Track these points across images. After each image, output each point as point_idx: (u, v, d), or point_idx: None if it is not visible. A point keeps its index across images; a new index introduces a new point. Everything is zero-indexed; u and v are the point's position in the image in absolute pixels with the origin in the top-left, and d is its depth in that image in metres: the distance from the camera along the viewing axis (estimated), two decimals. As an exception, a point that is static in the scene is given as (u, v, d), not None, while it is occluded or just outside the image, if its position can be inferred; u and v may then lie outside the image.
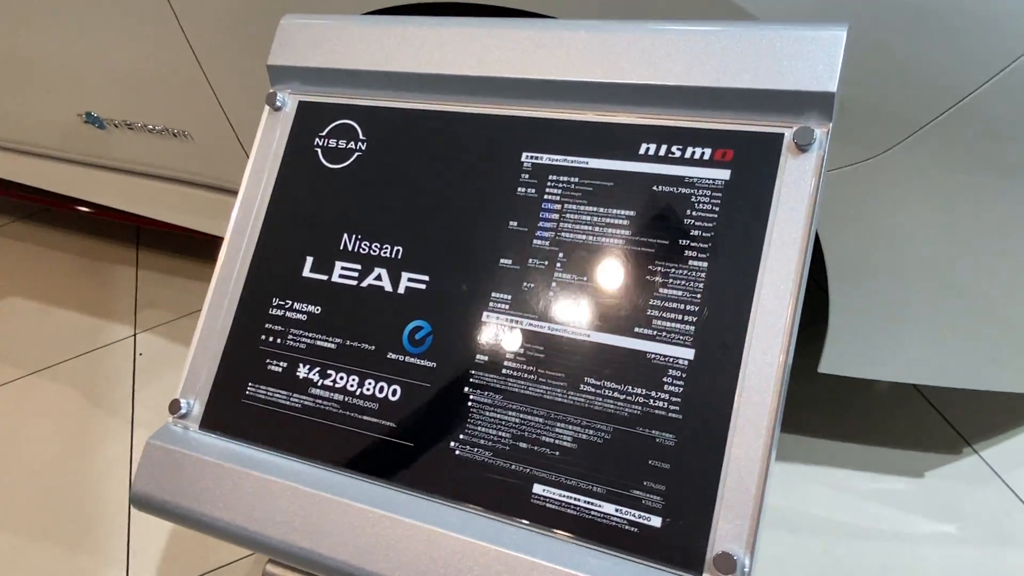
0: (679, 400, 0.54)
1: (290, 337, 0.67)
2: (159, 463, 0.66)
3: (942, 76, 0.68)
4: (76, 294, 1.80)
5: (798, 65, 0.56)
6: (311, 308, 0.67)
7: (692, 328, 0.55)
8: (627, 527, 0.53)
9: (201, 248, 1.84)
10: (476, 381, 0.60)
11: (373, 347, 0.64)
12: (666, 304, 0.56)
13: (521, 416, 0.58)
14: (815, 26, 0.57)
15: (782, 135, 0.56)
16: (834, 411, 1.22)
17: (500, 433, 0.58)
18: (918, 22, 0.65)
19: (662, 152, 0.59)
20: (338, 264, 0.67)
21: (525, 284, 0.60)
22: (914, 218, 0.77)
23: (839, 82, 0.55)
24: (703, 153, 0.58)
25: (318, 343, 0.66)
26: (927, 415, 1.20)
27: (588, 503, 0.55)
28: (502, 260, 0.61)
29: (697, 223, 0.57)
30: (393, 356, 0.63)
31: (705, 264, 0.56)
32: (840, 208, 0.79)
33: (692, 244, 0.56)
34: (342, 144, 0.70)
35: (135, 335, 1.67)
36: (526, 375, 0.59)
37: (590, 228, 0.60)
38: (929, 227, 0.78)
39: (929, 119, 0.71)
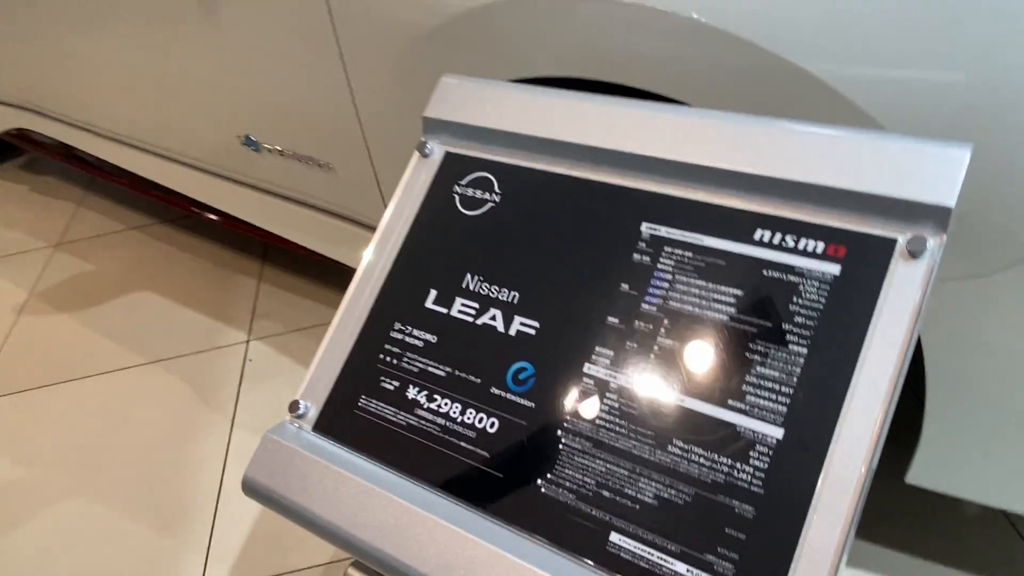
0: (763, 475, 0.57)
1: (405, 359, 0.73)
2: (272, 455, 0.73)
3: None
4: (201, 296, 1.95)
5: (919, 177, 0.59)
6: (428, 336, 0.73)
7: (784, 409, 0.58)
8: (696, 588, 0.56)
9: (320, 271, 1.96)
10: (569, 426, 0.64)
11: (479, 380, 0.69)
12: (762, 382, 0.59)
13: (607, 466, 0.62)
14: (941, 142, 0.60)
15: (895, 241, 0.59)
16: (916, 525, 1.18)
17: (585, 478, 0.62)
18: None
19: (776, 240, 0.63)
20: (458, 300, 0.73)
21: (628, 343, 0.64)
22: (1021, 340, 0.77)
23: (958, 198, 0.57)
24: (816, 247, 0.61)
25: (429, 369, 0.72)
26: (1014, 545, 1.15)
27: (661, 559, 0.57)
28: (610, 318, 0.66)
29: (802, 311, 0.60)
30: (496, 391, 0.68)
31: (805, 351, 0.59)
32: (947, 319, 0.80)
33: (794, 330, 0.59)
34: (478, 194, 0.77)
35: (248, 342, 1.78)
36: (617, 428, 0.62)
37: (697, 300, 0.64)
38: None
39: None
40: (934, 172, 0.59)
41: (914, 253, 0.58)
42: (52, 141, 2.17)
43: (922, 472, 0.94)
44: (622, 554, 0.59)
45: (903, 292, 0.58)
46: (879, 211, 0.60)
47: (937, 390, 0.87)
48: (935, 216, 0.58)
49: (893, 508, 1.22)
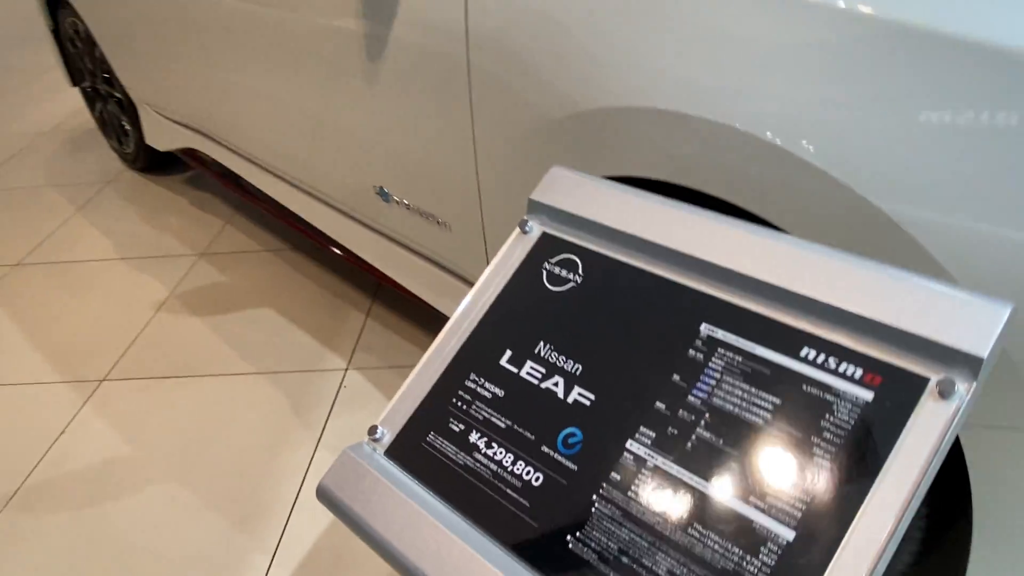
0: (769, 571, 0.62)
1: (473, 407, 0.83)
2: (346, 469, 0.84)
3: None
4: (314, 320, 2.12)
5: (960, 325, 0.64)
6: (496, 390, 0.82)
7: (799, 514, 0.63)
8: (688, 660, 0.61)
9: (423, 317, 2.10)
10: (604, 493, 0.71)
11: (532, 437, 0.77)
12: (783, 486, 0.65)
13: (631, 535, 0.68)
14: (985, 297, 0.65)
15: (928, 379, 0.64)
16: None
17: (609, 542, 0.69)
18: None
19: (820, 360, 0.69)
20: (528, 363, 0.82)
21: (670, 429, 0.72)
22: None
23: (991, 352, 0.62)
24: (855, 372, 0.67)
25: (492, 419, 0.81)
26: None
27: (662, 628, 0.63)
28: (658, 403, 0.73)
29: (831, 428, 0.66)
30: (546, 449, 0.76)
31: (827, 464, 0.64)
32: (994, 463, 0.82)
33: (821, 444, 0.65)
34: (563, 273, 0.87)
35: (346, 370, 1.93)
36: (645, 503, 0.69)
37: (739, 401, 0.70)
38: None
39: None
40: (974, 323, 0.64)
41: (943, 394, 0.63)
42: (214, 162, 2.44)
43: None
44: (629, 617, 0.65)
45: (927, 428, 0.63)
46: (918, 350, 0.66)
47: (983, 534, 0.88)
48: (968, 363, 0.63)
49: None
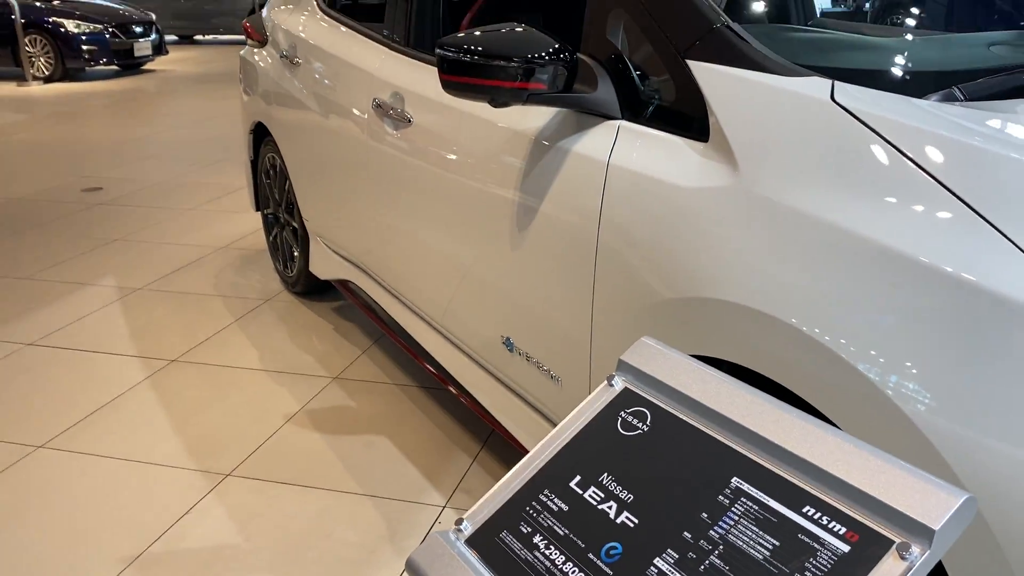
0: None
1: (542, 516, 1.13)
2: (432, 549, 1.15)
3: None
4: (424, 456, 2.48)
5: (924, 503, 0.90)
6: (562, 505, 1.13)
7: (774, 631, 0.88)
8: None
9: (525, 471, 2.40)
10: (629, 594, 0.99)
11: (583, 545, 1.06)
12: (766, 607, 0.90)
13: (643, 629, 0.95)
14: (950, 486, 0.91)
15: (893, 542, 0.90)
16: None
17: (625, 631, 0.96)
18: None
19: (816, 516, 0.96)
20: (592, 488, 1.13)
21: (690, 554, 0.99)
22: None
23: (943, 527, 0.87)
24: (840, 528, 0.93)
25: (554, 527, 1.11)
26: None
27: None
28: (685, 532, 1.01)
29: (813, 569, 0.91)
30: (591, 556, 1.05)
31: (803, 595, 0.90)
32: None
33: (803, 580, 0.91)
34: (634, 422, 1.18)
35: (443, 508, 2.25)
36: (660, 607, 0.96)
37: (748, 540, 0.97)
38: None
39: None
40: (935, 502, 0.90)
41: (901, 555, 0.88)
42: (364, 295, 2.95)
43: None
44: None
45: (885, 578, 0.88)
46: (890, 518, 0.91)
47: None
48: (925, 533, 0.88)
49: None
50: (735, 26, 1.51)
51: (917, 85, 1.45)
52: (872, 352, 1.15)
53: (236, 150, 6.13)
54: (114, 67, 10.63)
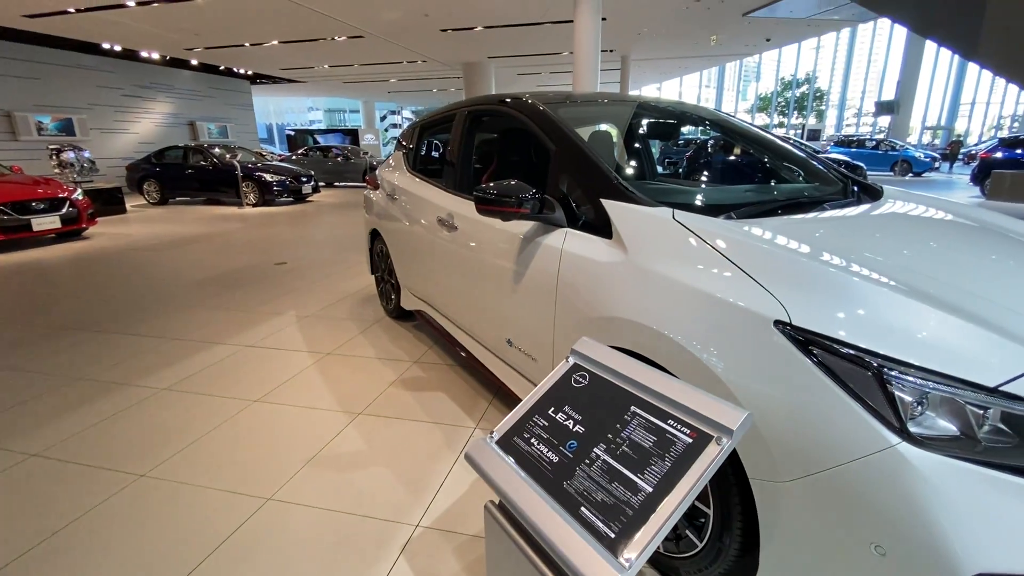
0: (635, 508, 0.99)
1: (535, 429, 1.25)
2: (477, 447, 1.26)
3: (811, 451, 1.07)
4: (464, 401, 2.55)
5: (727, 414, 1.03)
6: (544, 423, 1.24)
7: (655, 480, 1.00)
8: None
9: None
10: (583, 467, 1.10)
11: (556, 442, 1.18)
12: (651, 471, 1.02)
13: (590, 483, 1.07)
14: (739, 408, 1.03)
15: (712, 436, 1.02)
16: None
17: (581, 485, 1.07)
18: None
19: (674, 425, 1.09)
20: (560, 414, 1.24)
21: (611, 445, 1.11)
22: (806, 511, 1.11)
23: (739, 427, 1.00)
24: (686, 431, 1.06)
25: (541, 434, 1.22)
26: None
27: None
28: (608, 434, 1.13)
29: (672, 453, 1.04)
30: (561, 448, 1.17)
31: (667, 466, 1.02)
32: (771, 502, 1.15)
33: (666, 458, 1.03)
34: (581, 380, 1.30)
35: (474, 429, 2.32)
36: (597, 472, 1.08)
37: (640, 439, 1.09)
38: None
39: (816, 471, 1.07)
40: (733, 415, 1.03)
41: (718, 443, 1.01)
42: (430, 317, 3.05)
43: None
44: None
45: (706, 459, 1.00)
46: (711, 424, 1.04)
47: (767, 539, 1.17)
48: (728, 431, 1.01)
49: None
50: (622, 181, 1.73)
51: (713, 211, 1.64)
52: (694, 341, 1.29)
53: (355, 244, 6.37)
54: (290, 199, 10.98)
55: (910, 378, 1.04)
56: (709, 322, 1.26)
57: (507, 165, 2.68)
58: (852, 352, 1.08)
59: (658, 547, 1.48)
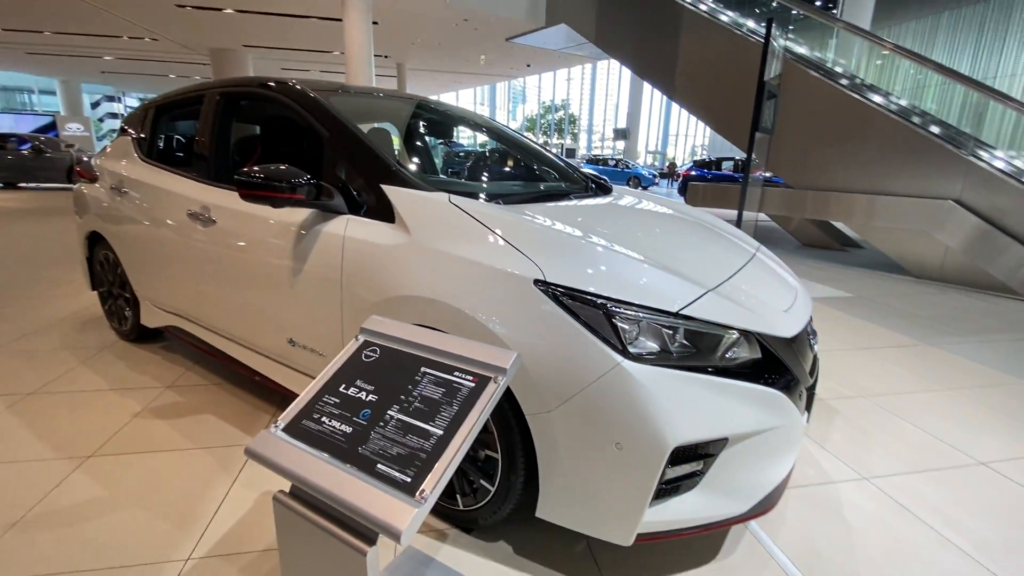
0: (426, 454, 1.41)
1: (326, 408, 1.58)
2: (260, 440, 1.55)
3: (566, 380, 1.61)
4: (237, 419, 2.72)
5: (502, 357, 1.50)
6: (336, 399, 1.59)
7: (444, 424, 1.43)
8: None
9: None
10: (378, 430, 1.48)
11: (349, 415, 1.54)
12: (440, 420, 1.45)
13: (387, 443, 1.45)
14: (510, 351, 1.52)
15: (490, 378, 1.49)
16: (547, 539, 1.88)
17: (379, 447, 1.45)
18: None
19: (459, 375, 1.52)
20: (352, 388, 1.60)
21: (404, 404, 1.51)
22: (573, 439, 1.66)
23: (511, 365, 1.48)
24: (469, 378, 1.51)
25: (332, 411, 1.57)
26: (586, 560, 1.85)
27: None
28: (401, 396, 1.53)
29: (458, 399, 1.47)
30: (354, 419, 1.53)
31: (455, 411, 1.46)
32: (546, 428, 1.67)
33: (454, 404, 1.47)
34: (371, 353, 1.67)
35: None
36: (392, 431, 1.47)
37: (431, 391, 1.51)
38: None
39: (571, 395, 1.61)
40: (506, 356, 1.50)
41: (495, 382, 1.47)
42: (185, 332, 3.10)
43: (543, 512, 1.74)
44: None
45: (487, 396, 1.46)
46: (489, 368, 1.50)
47: (544, 463, 1.70)
48: (502, 372, 1.48)
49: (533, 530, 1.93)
50: (402, 168, 2.20)
51: (485, 198, 2.24)
52: (474, 305, 1.77)
53: (61, 257, 5.79)
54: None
55: (625, 311, 1.68)
56: (484, 288, 1.75)
57: (273, 156, 2.95)
58: (589, 297, 1.69)
59: (458, 504, 1.97)
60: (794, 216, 8.16)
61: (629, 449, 1.59)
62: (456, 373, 1.54)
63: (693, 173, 17.35)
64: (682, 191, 16.77)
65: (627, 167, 24.77)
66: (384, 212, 2.10)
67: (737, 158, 17.12)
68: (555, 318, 1.66)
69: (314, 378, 2.42)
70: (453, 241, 1.90)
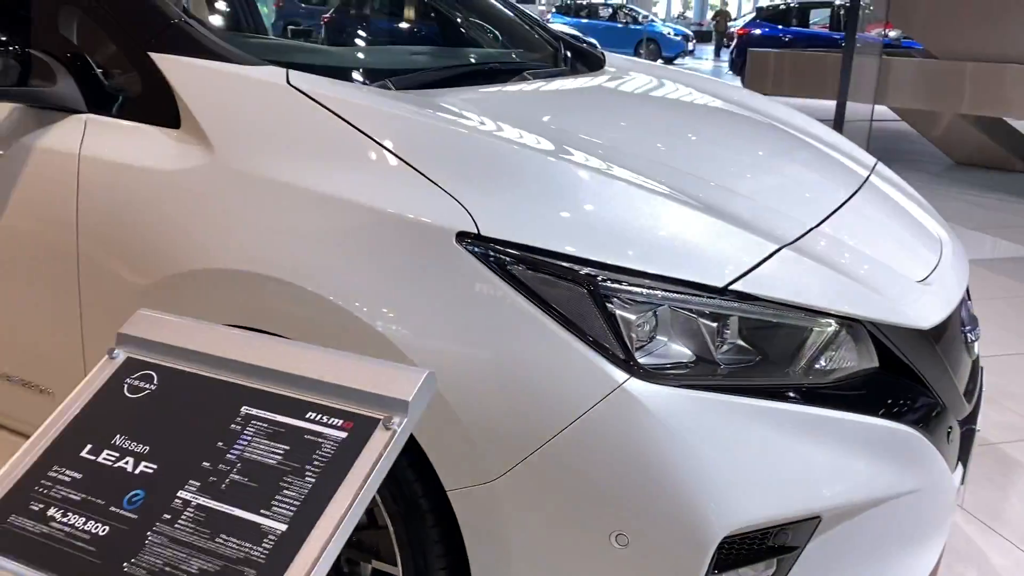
0: (267, 554, 0.80)
1: (54, 491, 0.90)
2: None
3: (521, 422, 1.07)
4: None
5: (396, 382, 0.94)
6: (75, 474, 0.91)
7: (292, 513, 0.83)
8: None
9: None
10: (156, 528, 0.84)
11: (103, 502, 0.87)
12: (285, 499, 0.85)
13: (174, 551, 0.82)
14: (413, 368, 0.96)
15: (378, 419, 0.92)
16: None
17: (156, 560, 0.81)
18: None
19: (317, 418, 0.93)
20: (105, 451, 0.93)
21: (212, 478, 0.88)
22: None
23: (415, 397, 0.92)
24: (338, 422, 0.92)
25: (69, 496, 0.89)
26: None
27: None
28: (204, 463, 0.90)
29: (319, 459, 0.89)
30: (113, 509, 0.86)
31: (312, 481, 0.87)
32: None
33: (311, 469, 0.88)
34: (142, 384, 1.01)
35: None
36: (186, 529, 0.84)
37: (263, 452, 0.90)
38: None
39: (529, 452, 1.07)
40: (405, 381, 0.94)
41: (386, 427, 0.91)
42: None
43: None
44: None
45: (374, 447, 0.89)
46: (374, 402, 0.93)
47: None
48: (401, 407, 0.92)
49: None
50: (194, 22, 1.42)
51: (359, 77, 1.55)
52: (337, 284, 1.16)
53: None
54: None
55: (630, 289, 1.05)
56: (362, 252, 1.12)
57: None
58: (563, 264, 1.06)
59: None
60: (942, 111, 4.94)
61: (639, 544, 1.01)
62: (311, 414, 0.94)
63: (757, 32, 10.71)
64: (737, 66, 10.57)
65: (635, 22, 15.30)
66: (159, 106, 1.33)
67: (838, 1, 10.38)
68: (499, 305, 1.06)
69: (29, 436, 1.64)
70: (299, 163, 1.21)
